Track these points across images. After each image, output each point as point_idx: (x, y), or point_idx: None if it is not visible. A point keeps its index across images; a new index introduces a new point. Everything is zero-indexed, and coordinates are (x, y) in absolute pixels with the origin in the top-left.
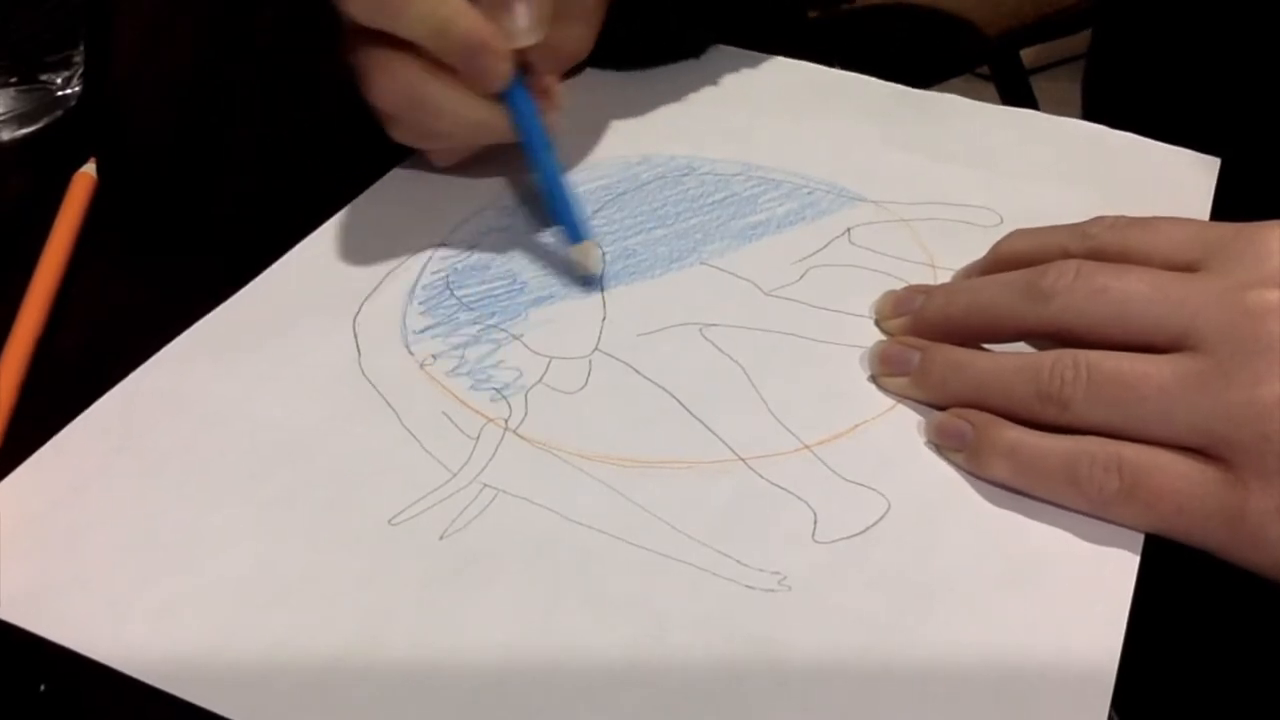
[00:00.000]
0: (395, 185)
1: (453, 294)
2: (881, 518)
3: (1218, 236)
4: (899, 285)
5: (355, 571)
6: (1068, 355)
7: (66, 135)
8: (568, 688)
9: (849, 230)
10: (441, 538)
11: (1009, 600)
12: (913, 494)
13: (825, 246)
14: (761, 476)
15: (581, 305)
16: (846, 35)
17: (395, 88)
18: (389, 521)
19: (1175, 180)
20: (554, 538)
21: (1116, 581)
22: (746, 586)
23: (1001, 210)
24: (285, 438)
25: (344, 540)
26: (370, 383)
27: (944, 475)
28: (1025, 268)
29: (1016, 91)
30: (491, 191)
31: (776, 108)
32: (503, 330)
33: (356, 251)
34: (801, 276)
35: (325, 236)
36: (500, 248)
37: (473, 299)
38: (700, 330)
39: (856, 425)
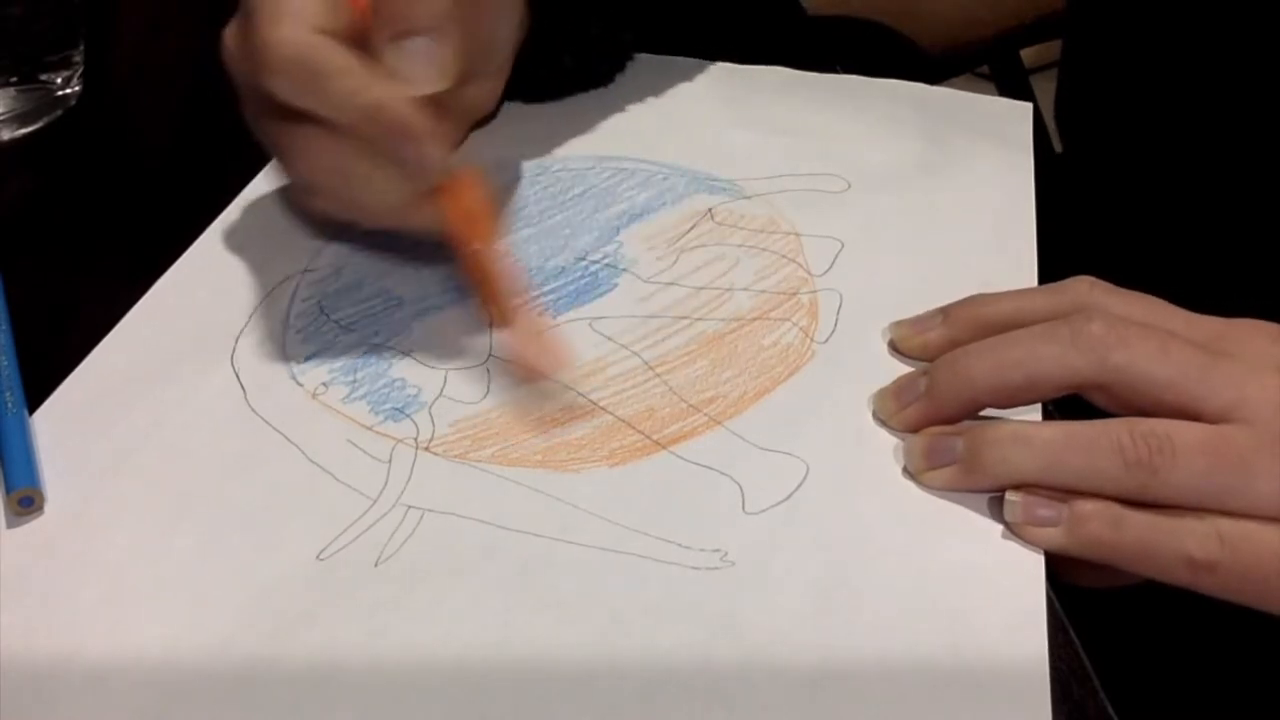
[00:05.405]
0: (243, 217)
1: (329, 318)
2: (803, 481)
3: (1221, 327)
4: (771, 257)
5: (296, 612)
6: (1142, 424)
7: (66, 135)
8: (542, 692)
9: (710, 210)
10: (377, 565)
11: (942, 542)
12: (826, 454)
13: (691, 229)
14: (681, 458)
15: (466, 312)
16: (848, 36)
17: (320, 166)
18: (317, 558)
19: (995, 127)
20: (491, 548)
21: None
22: (692, 568)
23: (847, 175)
24: (185, 491)
25: (276, 584)
26: (264, 420)
27: (851, 431)
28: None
29: (1016, 91)
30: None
31: (615, 98)
32: (390, 348)
33: (217, 289)
34: (676, 260)
35: (178, 278)
36: (368, 267)
37: (351, 320)
38: (590, 324)
39: (759, 395)
